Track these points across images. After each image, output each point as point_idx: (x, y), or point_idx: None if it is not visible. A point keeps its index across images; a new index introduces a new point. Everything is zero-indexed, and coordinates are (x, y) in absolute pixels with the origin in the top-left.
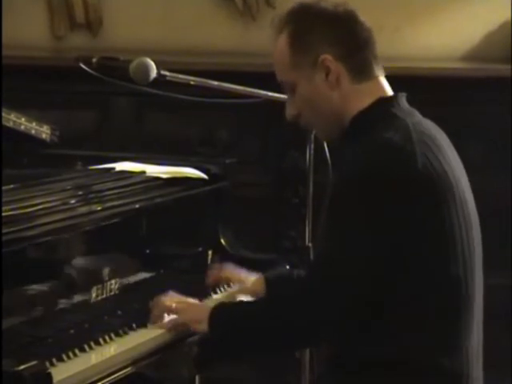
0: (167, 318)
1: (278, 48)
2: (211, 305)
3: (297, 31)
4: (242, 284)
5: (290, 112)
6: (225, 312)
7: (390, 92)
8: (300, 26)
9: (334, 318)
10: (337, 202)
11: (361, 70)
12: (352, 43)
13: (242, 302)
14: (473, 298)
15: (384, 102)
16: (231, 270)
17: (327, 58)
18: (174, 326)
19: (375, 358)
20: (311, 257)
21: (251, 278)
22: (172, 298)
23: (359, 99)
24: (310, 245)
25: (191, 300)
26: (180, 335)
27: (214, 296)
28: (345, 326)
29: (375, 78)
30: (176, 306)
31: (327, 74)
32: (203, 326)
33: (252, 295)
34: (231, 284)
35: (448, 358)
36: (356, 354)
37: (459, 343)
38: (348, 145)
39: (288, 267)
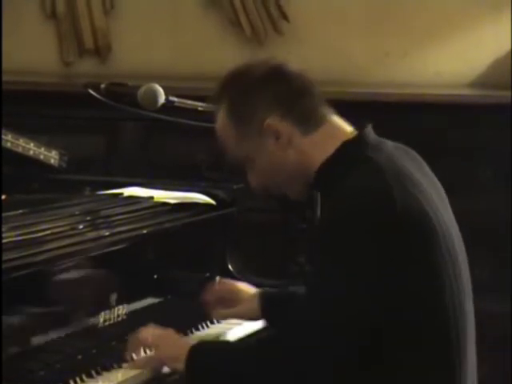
0: (143, 354)
1: (220, 125)
2: (191, 342)
3: (232, 104)
4: (238, 294)
5: (254, 186)
6: (204, 352)
7: (348, 130)
8: (234, 99)
9: (327, 371)
10: (322, 251)
11: (307, 118)
12: (288, 97)
13: (224, 343)
14: (464, 340)
15: (349, 144)
16: (228, 282)
17: (270, 122)
18: (147, 363)
19: None
20: None
21: (250, 290)
22: (150, 331)
23: (319, 149)
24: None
25: (171, 334)
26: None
27: (201, 332)
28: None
29: (326, 122)
30: (153, 341)
31: (277, 138)
32: (180, 365)
33: (245, 318)
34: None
35: None
36: None
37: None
38: (323, 195)
39: None
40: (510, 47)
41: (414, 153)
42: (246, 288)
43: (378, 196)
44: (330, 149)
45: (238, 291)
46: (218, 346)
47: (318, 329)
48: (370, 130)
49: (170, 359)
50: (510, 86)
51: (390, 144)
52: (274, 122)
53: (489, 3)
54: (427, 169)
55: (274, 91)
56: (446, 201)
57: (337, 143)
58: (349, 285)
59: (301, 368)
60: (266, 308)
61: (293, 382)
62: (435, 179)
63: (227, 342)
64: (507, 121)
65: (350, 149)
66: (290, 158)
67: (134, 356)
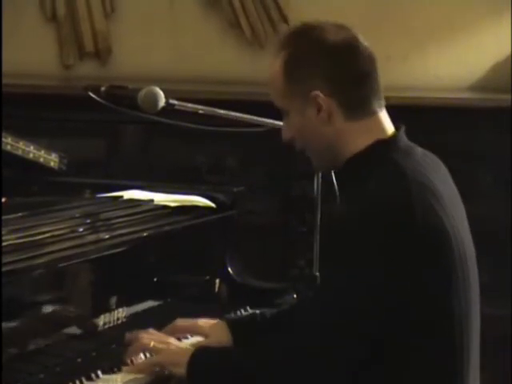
0: (142, 357)
1: (273, 71)
2: (191, 347)
3: (292, 58)
4: (200, 330)
5: (284, 135)
6: (206, 358)
7: (389, 130)
8: (296, 54)
9: (330, 372)
10: (333, 254)
11: (356, 106)
12: (349, 78)
13: (224, 348)
14: (468, 344)
15: (381, 145)
16: (184, 320)
17: (318, 94)
18: (148, 367)
19: None
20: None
21: (209, 322)
22: (151, 336)
23: (355, 139)
24: (318, 274)
25: (171, 339)
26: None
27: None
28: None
29: (373, 115)
30: (154, 346)
31: (319, 110)
32: (181, 370)
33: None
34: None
35: None
36: None
37: None
38: (344, 189)
39: (295, 296)
40: (509, 51)
41: (439, 162)
42: (205, 323)
43: (397, 206)
44: (364, 142)
45: (198, 327)
46: (220, 352)
47: (319, 330)
48: (402, 134)
49: (171, 364)
50: (510, 89)
51: (419, 151)
52: (320, 95)
53: (489, 7)
54: (450, 180)
55: (338, 66)
56: (463, 212)
57: (371, 140)
58: (354, 292)
59: (304, 370)
60: (240, 336)
61: None
62: (455, 190)
63: (229, 347)
64: (507, 124)
65: (379, 149)
66: (325, 133)
67: (134, 359)
